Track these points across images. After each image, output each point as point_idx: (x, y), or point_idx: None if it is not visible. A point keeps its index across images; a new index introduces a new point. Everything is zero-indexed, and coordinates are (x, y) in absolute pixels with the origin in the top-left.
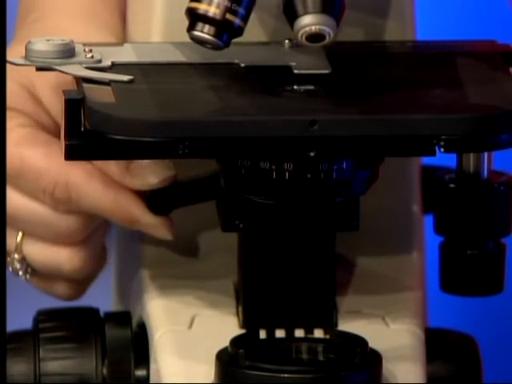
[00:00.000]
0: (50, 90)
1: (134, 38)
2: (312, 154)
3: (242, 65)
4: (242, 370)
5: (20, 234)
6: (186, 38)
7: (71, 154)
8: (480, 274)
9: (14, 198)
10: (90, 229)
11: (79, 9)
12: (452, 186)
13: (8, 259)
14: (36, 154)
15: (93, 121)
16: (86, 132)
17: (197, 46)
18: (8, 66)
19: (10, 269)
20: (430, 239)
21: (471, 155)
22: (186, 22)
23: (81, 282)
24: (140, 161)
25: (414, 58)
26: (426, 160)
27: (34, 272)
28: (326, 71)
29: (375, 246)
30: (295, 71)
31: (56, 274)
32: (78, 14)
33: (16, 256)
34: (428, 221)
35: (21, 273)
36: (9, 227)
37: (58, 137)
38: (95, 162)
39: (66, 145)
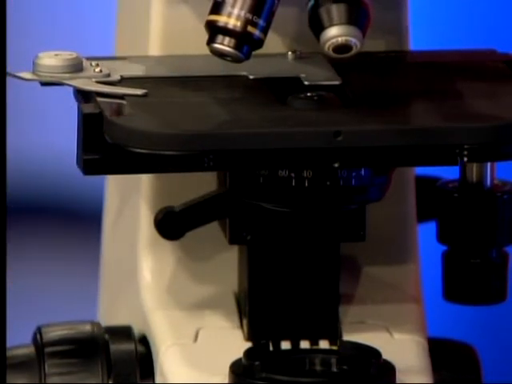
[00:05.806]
0: None
1: (127, 52)
2: (336, 165)
3: (251, 77)
4: (258, 381)
5: None
6: (184, 51)
7: (90, 169)
8: (483, 282)
9: None
10: None
11: None
12: (455, 194)
13: None
14: None
15: (115, 134)
16: (103, 146)
17: (203, 58)
18: None
19: None
20: (432, 248)
21: (474, 164)
22: (183, 34)
23: None
24: None
25: (420, 68)
26: (419, 170)
27: None
28: (337, 82)
29: (376, 256)
30: (306, 82)
31: None
32: None
33: None
34: (431, 230)
35: None
36: None
37: None
38: None
39: (83, 159)
